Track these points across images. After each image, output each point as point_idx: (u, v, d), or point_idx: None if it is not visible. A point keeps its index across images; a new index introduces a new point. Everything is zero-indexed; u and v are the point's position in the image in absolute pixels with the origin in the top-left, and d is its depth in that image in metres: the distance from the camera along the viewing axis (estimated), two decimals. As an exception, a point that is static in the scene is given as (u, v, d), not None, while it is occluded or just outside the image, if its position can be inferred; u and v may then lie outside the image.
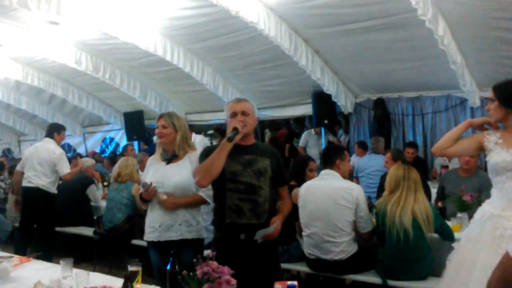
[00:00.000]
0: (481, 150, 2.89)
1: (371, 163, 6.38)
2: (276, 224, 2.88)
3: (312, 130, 8.92)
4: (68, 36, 7.99)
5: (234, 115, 2.98)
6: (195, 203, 3.32)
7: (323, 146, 8.53)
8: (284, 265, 4.12)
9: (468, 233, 2.87)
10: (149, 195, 3.24)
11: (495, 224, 2.65)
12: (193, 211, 3.33)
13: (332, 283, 4.16)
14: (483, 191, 4.50)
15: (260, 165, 2.96)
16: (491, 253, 2.51)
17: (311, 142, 8.89)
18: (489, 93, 7.41)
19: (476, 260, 2.63)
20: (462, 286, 2.69)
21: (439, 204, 4.82)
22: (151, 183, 3.22)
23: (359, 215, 3.86)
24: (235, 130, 2.86)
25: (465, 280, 2.67)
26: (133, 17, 7.12)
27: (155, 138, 4.32)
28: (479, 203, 4.20)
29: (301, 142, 9.02)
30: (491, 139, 2.79)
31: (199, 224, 3.36)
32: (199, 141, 7.02)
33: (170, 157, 3.34)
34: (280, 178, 3.08)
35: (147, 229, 3.34)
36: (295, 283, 1.82)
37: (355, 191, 3.88)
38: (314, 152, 8.57)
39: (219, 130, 10.10)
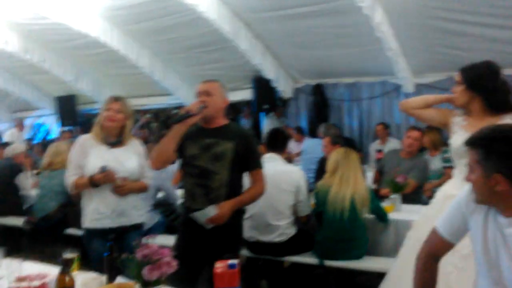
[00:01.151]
0: (444, 126, 2.92)
1: (317, 148, 6.45)
2: (213, 208, 2.81)
3: (273, 115, 8.80)
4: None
5: (197, 95, 2.91)
6: (140, 190, 3.29)
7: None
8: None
9: (427, 211, 2.94)
10: (107, 180, 3.09)
11: None
12: (140, 196, 3.32)
13: (270, 266, 4.21)
14: (412, 171, 4.68)
15: (219, 149, 2.88)
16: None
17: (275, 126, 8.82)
18: (423, 79, 7.70)
19: None
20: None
21: (374, 186, 4.95)
22: (110, 167, 3.09)
23: (299, 199, 3.92)
24: (187, 112, 2.79)
25: None
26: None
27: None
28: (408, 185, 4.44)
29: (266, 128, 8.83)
30: (456, 120, 2.80)
31: (144, 209, 3.41)
32: None
33: (115, 142, 3.20)
34: (249, 161, 2.96)
35: (92, 215, 3.17)
36: (236, 261, 1.81)
37: (297, 175, 3.95)
38: None
39: (157, 116, 9.92)
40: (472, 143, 1.86)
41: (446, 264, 2.32)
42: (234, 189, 2.95)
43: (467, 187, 1.97)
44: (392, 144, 7.07)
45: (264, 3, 6.65)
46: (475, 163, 1.83)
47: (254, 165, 3.00)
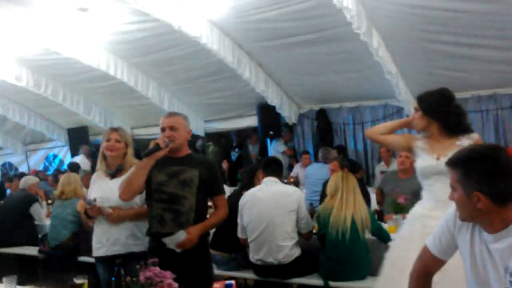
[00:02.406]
0: (408, 151, 3.09)
1: (320, 171, 6.59)
2: (182, 233, 2.93)
3: (281, 139, 8.91)
4: (7, 52, 7.80)
5: (162, 130, 3.07)
6: (141, 215, 3.31)
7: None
8: (231, 273, 4.23)
9: (401, 232, 3.07)
10: (93, 212, 3.26)
11: (424, 223, 2.83)
12: (139, 224, 3.32)
13: (278, 288, 4.30)
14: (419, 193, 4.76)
15: (187, 175, 3.03)
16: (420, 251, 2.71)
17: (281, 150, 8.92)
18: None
19: (407, 258, 2.80)
20: (396, 283, 2.86)
21: (377, 207, 5.05)
22: (95, 200, 3.23)
23: (301, 216, 4.07)
24: (156, 145, 2.95)
25: (399, 277, 2.83)
26: (74, 32, 7.07)
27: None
28: (413, 205, 4.51)
29: (271, 152, 8.97)
30: (418, 144, 2.97)
31: (146, 237, 3.34)
32: None
33: (114, 172, 3.36)
34: (213, 187, 3.14)
35: (95, 244, 3.34)
36: (233, 282, 1.92)
37: (297, 194, 4.15)
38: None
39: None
40: (452, 163, 1.96)
41: None
42: (201, 213, 3.10)
43: (452, 206, 2.08)
44: (396, 165, 7.13)
45: (264, 33, 6.85)
46: (456, 182, 1.93)
47: (217, 191, 3.18)
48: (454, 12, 5.54)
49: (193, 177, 3.03)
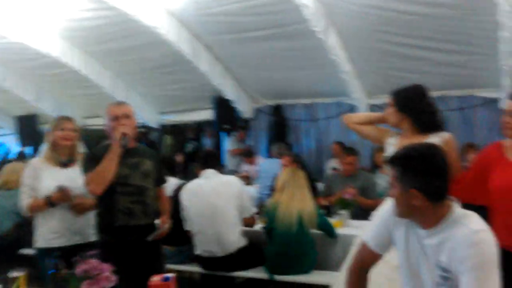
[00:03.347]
0: (380, 144, 3.14)
1: (273, 166, 6.63)
2: (167, 224, 3.08)
3: (234, 137, 8.84)
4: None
5: (116, 118, 3.00)
6: (93, 207, 3.29)
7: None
8: (176, 267, 4.21)
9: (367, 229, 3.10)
10: (64, 199, 3.17)
11: None
12: (91, 214, 3.31)
13: (225, 282, 4.30)
14: (366, 189, 4.89)
15: (145, 167, 3.06)
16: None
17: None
18: (377, 100, 7.89)
19: None
20: None
21: (323, 201, 5.13)
22: (67, 187, 3.16)
23: (242, 204, 4.14)
24: (125, 135, 2.89)
25: None
26: (26, 16, 6.80)
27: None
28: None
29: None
30: (390, 140, 3.01)
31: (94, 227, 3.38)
32: None
33: (67, 161, 3.29)
34: (161, 178, 3.24)
35: (48, 235, 3.23)
36: (171, 275, 1.91)
37: (235, 182, 4.25)
38: None
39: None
40: (391, 161, 2.01)
41: (379, 275, 2.48)
42: (158, 203, 3.21)
43: (390, 202, 2.14)
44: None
45: (223, 26, 6.81)
46: (394, 179, 1.99)
47: (163, 181, 3.31)
48: (409, 14, 5.66)
49: (151, 167, 3.07)
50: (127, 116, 3.02)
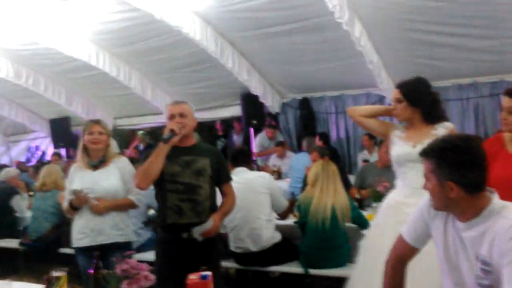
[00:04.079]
0: (384, 137, 3.14)
1: (304, 160, 6.63)
2: (212, 221, 2.99)
3: (265, 133, 8.75)
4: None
5: (172, 117, 3.05)
6: (125, 206, 3.40)
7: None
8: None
9: (376, 221, 3.11)
10: (80, 202, 3.26)
11: (399, 211, 2.88)
12: (123, 214, 3.40)
13: (260, 277, 4.34)
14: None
15: (199, 164, 3.04)
16: (396, 238, 2.75)
17: (266, 146, 8.76)
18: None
19: (383, 246, 2.84)
20: (372, 270, 2.90)
21: (356, 194, 5.09)
22: (81, 190, 3.23)
23: (274, 197, 4.17)
24: (172, 132, 2.94)
25: (374, 265, 2.88)
26: (55, 21, 6.97)
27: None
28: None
29: (257, 147, 8.79)
30: (396, 133, 3.01)
31: (129, 228, 3.45)
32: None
33: (97, 163, 3.36)
34: (221, 176, 3.17)
35: (76, 235, 3.35)
36: (209, 273, 1.94)
37: (267, 177, 4.28)
38: None
39: (152, 134, 10.04)
40: (426, 153, 2.00)
41: (419, 268, 2.45)
42: (214, 201, 3.14)
43: (426, 195, 2.12)
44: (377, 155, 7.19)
45: (247, 23, 6.82)
46: (429, 172, 1.97)
47: (225, 179, 3.22)
48: (435, 1, 5.58)
49: (205, 166, 3.05)
50: (182, 115, 3.04)
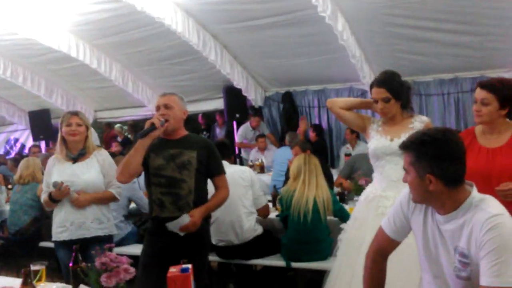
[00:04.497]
0: (361, 130, 3.16)
1: (287, 154, 6.63)
2: (186, 216, 2.93)
3: (249, 124, 8.70)
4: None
5: (157, 108, 3.02)
6: (106, 199, 3.36)
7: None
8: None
9: (355, 214, 3.13)
10: (61, 194, 3.20)
11: (377, 203, 2.91)
12: (104, 208, 3.37)
13: (242, 271, 4.34)
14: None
15: (184, 158, 3.00)
16: (375, 231, 2.76)
17: (249, 136, 8.74)
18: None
19: (363, 238, 2.87)
20: (352, 263, 2.93)
21: (338, 188, 5.09)
22: (62, 182, 3.18)
23: (255, 193, 4.17)
24: (152, 125, 2.90)
25: (354, 257, 2.90)
26: (34, 11, 6.83)
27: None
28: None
29: (239, 137, 8.77)
30: (373, 126, 3.04)
31: (110, 221, 3.41)
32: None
33: (77, 156, 3.31)
34: (212, 168, 3.11)
35: (56, 229, 3.30)
36: (189, 266, 1.93)
37: (248, 171, 4.27)
38: None
39: (133, 126, 9.95)
40: (405, 146, 2.00)
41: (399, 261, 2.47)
42: (201, 196, 3.08)
43: (403, 188, 2.13)
44: (361, 147, 7.23)
45: (229, 15, 6.78)
46: (409, 165, 1.98)
47: (217, 171, 3.15)
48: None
49: (191, 159, 3.00)
50: (167, 106, 3.00)
